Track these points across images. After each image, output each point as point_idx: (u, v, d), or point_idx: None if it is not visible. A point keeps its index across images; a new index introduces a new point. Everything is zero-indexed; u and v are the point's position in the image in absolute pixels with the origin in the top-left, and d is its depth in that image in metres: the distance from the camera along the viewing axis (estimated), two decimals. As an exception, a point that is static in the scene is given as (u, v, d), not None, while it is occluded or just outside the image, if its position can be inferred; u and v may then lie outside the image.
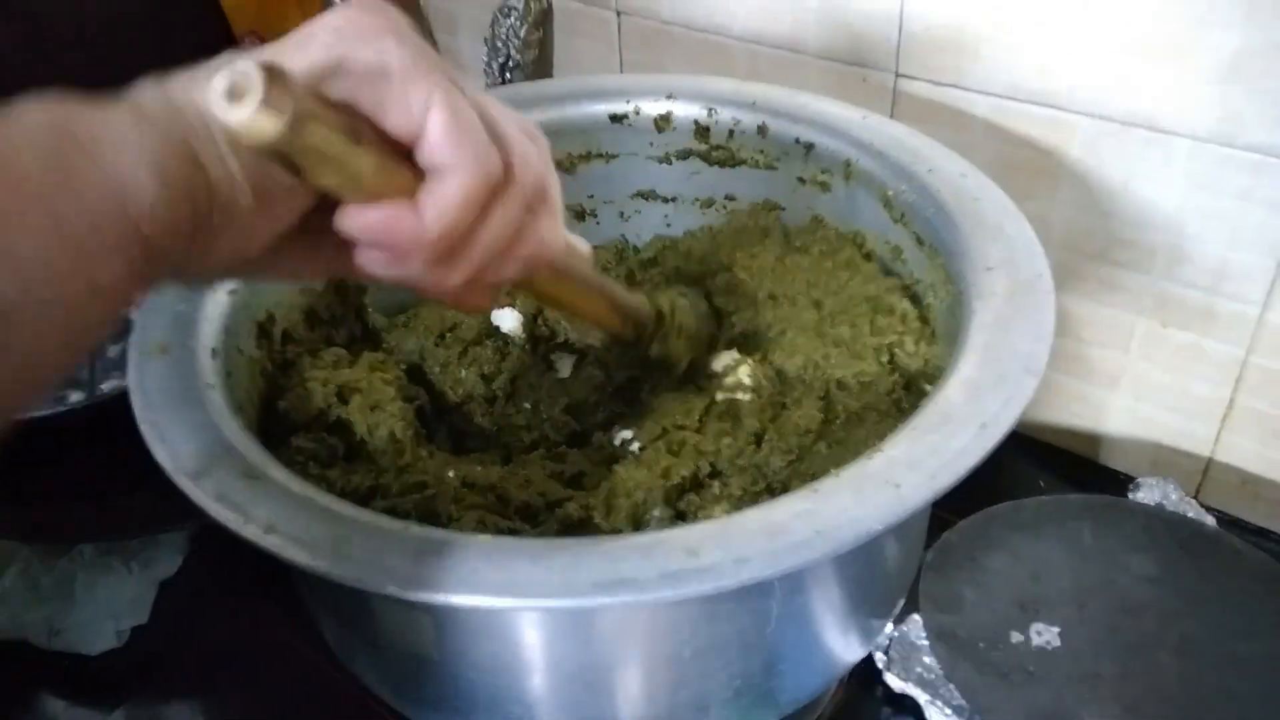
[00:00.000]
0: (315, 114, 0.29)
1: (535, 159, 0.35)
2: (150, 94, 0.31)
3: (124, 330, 0.74)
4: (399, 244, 0.32)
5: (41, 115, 0.28)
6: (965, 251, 0.48)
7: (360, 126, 0.31)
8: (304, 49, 0.31)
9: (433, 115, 0.31)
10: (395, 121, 0.32)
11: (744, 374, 0.53)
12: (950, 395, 0.40)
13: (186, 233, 0.30)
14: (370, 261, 0.34)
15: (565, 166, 0.66)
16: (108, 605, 0.65)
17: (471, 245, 0.34)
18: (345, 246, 0.34)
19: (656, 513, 0.43)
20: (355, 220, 0.32)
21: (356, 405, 0.49)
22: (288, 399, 0.49)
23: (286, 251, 0.35)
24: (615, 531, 0.43)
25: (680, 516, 0.44)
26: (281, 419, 0.48)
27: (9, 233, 0.26)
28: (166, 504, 0.67)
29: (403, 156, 0.32)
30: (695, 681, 0.41)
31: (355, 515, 0.36)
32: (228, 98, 0.27)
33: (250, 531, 0.35)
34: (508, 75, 0.87)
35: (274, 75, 0.28)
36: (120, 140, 0.29)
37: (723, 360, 0.55)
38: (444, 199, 0.32)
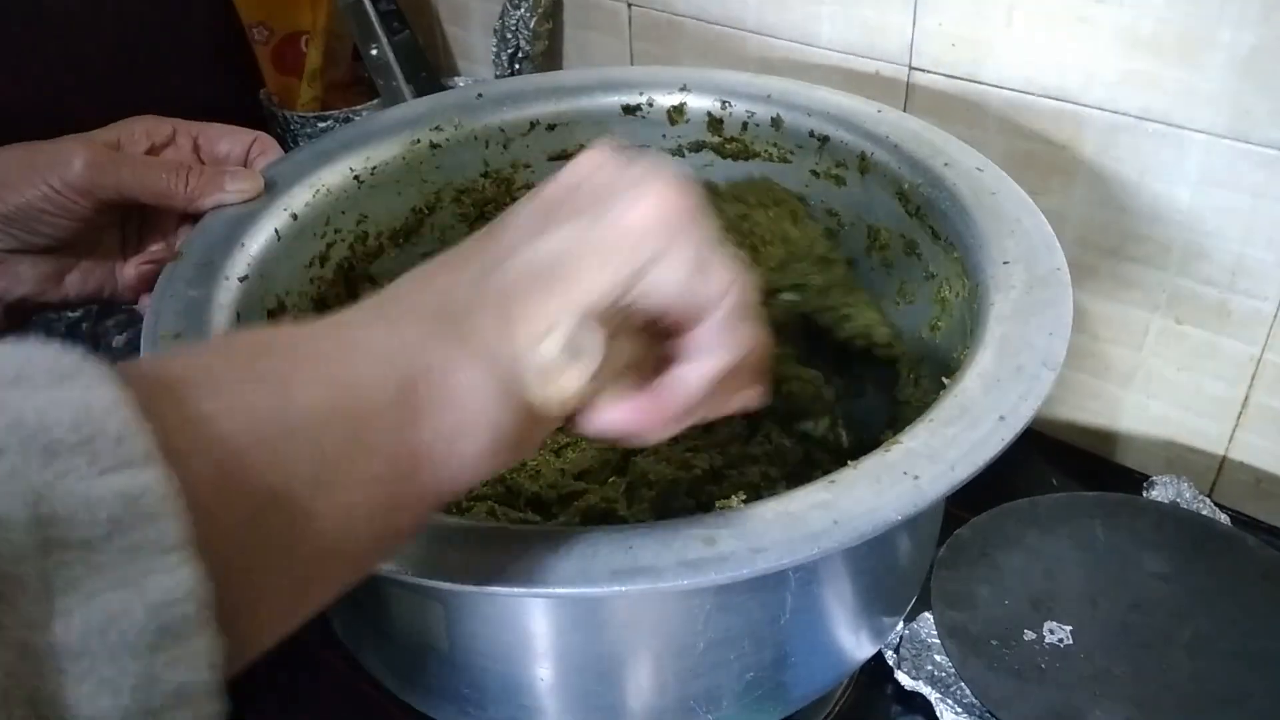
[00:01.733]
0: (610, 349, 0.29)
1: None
2: (492, 333, 0.29)
3: (130, 320, 0.74)
4: (648, 430, 0.32)
5: (390, 350, 0.28)
6: (982, 245, 0.48)
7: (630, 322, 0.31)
8: (609, 264, 0.30)
9: (726, 303, 0.31)
10: (680, 314, 0.31)
11: None
12: (968, 387, 0.40)
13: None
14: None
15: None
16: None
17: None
18: None
19: (680, 504, 0.43)
20: (608, 420, 0.32)
21: None
22: None
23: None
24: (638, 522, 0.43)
25: (702, 508, 0.44)
26: None
27: (338, 484, 0.25)
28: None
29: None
30: (708, 673, 0.41)
31: (369, 501, 0.36)
32: (563, 360, 0.28)
33: (263, 517, 0.34)
34: (517, 66, 0.87)
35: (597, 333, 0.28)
36: (466, 393, 0.28)
37: None
38: (701, 381, 0.32)
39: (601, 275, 0.29)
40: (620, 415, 0.31)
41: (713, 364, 0.32)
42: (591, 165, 0.33)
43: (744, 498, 0.36)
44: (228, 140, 0.56)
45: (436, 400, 0.27)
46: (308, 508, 0.24)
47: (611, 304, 0.29)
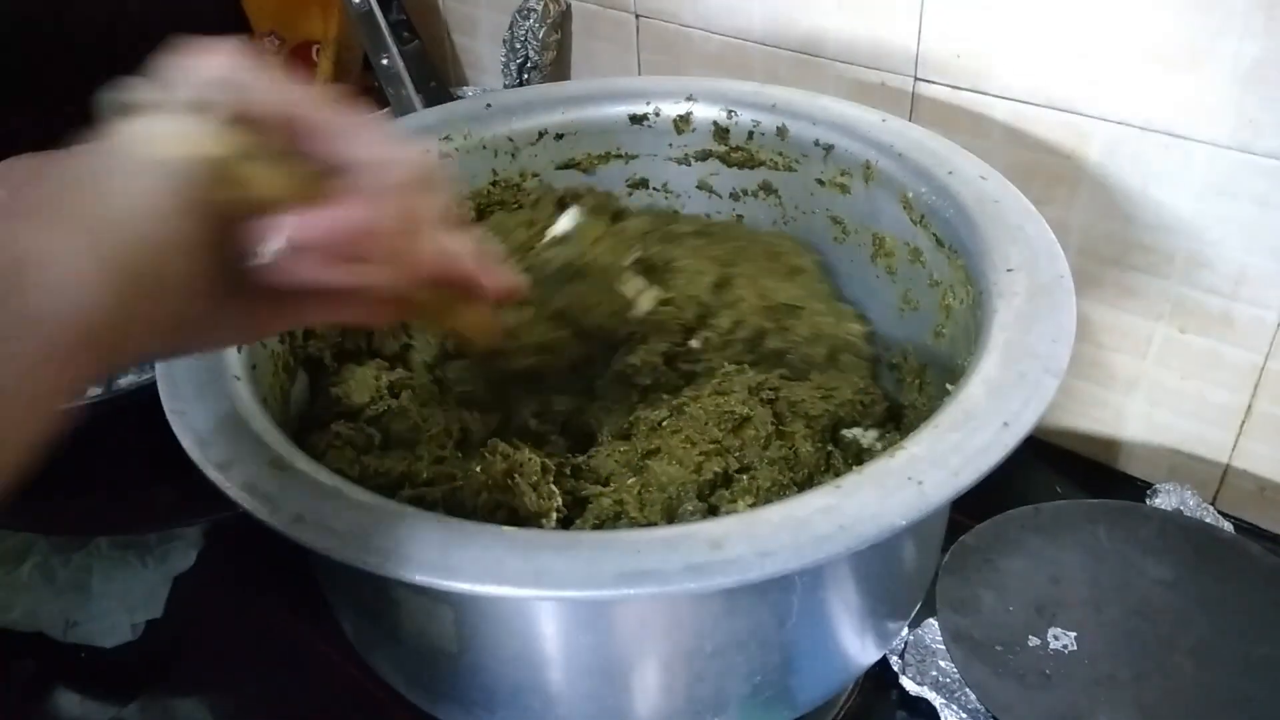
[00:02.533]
0: (246, 120, 0.30)
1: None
2: (88, 187, 0.29)
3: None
4: (356, 235, 0.33)
5: None
6: (985, 252, 0.49)
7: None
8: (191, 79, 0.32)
9: (347, 118, 0.32)
10: (312, 131, 0.32)
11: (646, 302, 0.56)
12: (972, 393, 0.40)
13: (148, 329, 0.30)
14: (320, 270, 0.34)
15: (584, 167, 0.66)
16: (123, 599, 0.66)
17: (410, 233, 0.35)
18: (282, 296, 0.34)
19: (689, 507, 0.43)
20: (311, 224, 0.32)
21: (407, 399, 0.50)
22: (340, 387, 0.50)
23: (223, 318, 0.35)
24: (649, 525, 0.43)
25: (713, 511, 0.44)
26: (307, 413, 0.48)
27: None
28: (181, 499, 0.68)
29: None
30: (714, 677, 0.41)
31: (381, 505, 0.36)
32: (171, 124, 0.27)
33: (278, 521, 0.35)
34: (525, 76, 0.88)
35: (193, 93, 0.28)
36: (60, 257, 0.27)
37: (633, 286, 0.56)
38: (382, 187, 0.33)
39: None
40: (329, 215, 0.32)
41: (390, 171, 0.33)
42: None
43: (751, 502, 0.36)
44: None
45: (27, 264, 0.27)
46: None
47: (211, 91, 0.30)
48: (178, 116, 0.30)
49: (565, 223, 0.59)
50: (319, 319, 0.41)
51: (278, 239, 0.32)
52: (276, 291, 0.34)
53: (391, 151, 0.34)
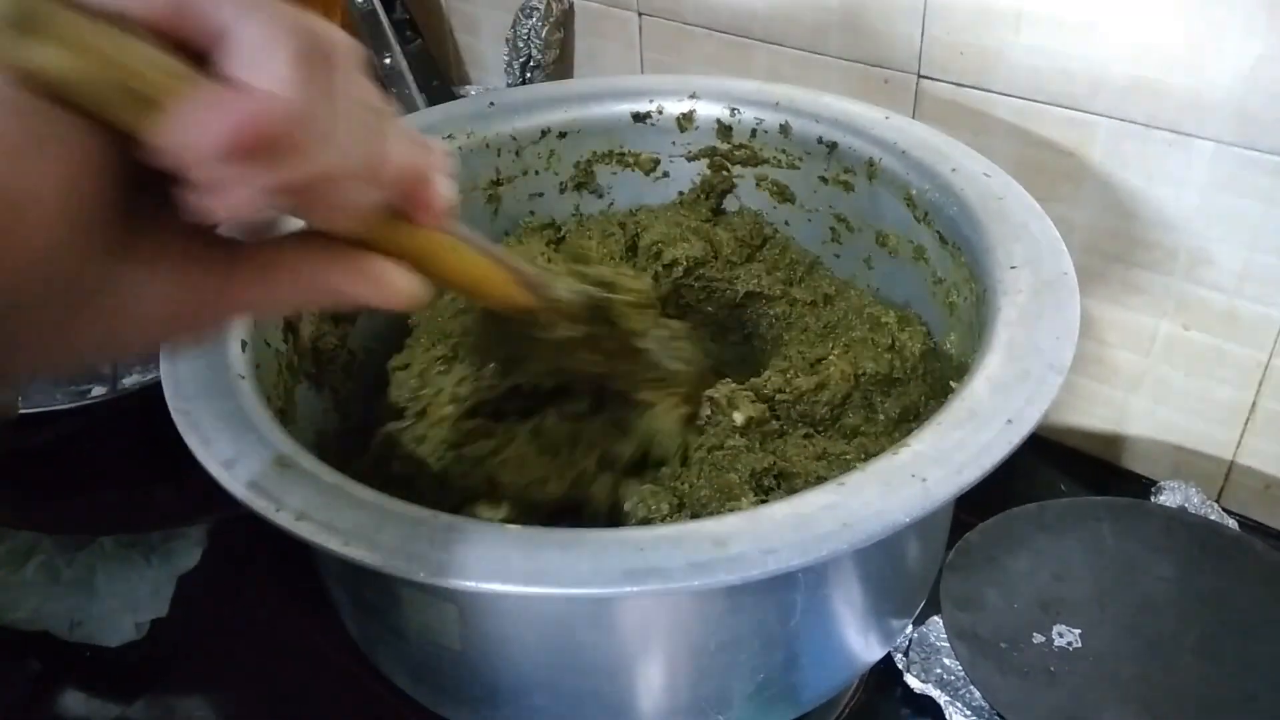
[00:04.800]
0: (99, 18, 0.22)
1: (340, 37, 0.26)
2: None
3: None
4: (266, 132, 0.23)
5: None
6: (989, 249, 0.49)
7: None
8: None
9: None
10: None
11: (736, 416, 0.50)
12: (976, 391, 0.40)
13: None
14: (234, 196, 0.23)
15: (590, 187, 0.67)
16: (127, 598, 0.66)
17: (333, 126, 0.25)
18: (220, 265, 0.26)
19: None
20: (205, 123, 0.22)
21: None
22: (391, 394, 0.51)
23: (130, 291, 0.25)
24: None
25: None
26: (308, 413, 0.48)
27: None
28: (186, 497, 0.68)
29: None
30: (719, 675, 0.41)
31: (385, 503, 0.36)
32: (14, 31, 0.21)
33: (282, 519, 0.35)
34: (529, 75, 0.88)
35: None
36: None
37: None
38: (278, 68, 0.23)
39: None
40: (224, 111, 0.23)
41: (279, 52, 0.23)
42: None
43: (754, 500, 0.36)
44: None
45: None
46: None
47: None
48: None
49: None
50: (270, 292, 0.28)
51: (179, 143, 0.23)
52: (204, 246, 0.26)
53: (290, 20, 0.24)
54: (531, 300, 0.41)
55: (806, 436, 0.51)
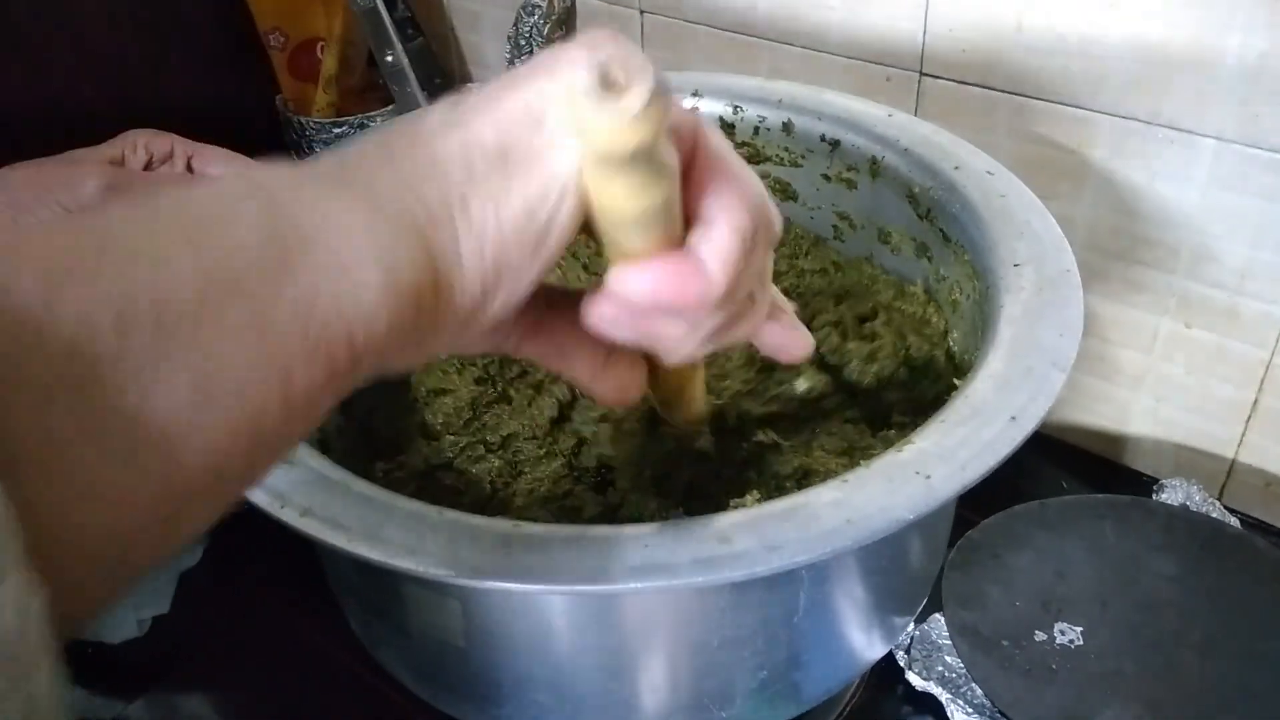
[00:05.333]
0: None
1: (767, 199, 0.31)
2: (381, 168, 0.26)
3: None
4: (687, 304, 0.28)
5: (250, 188, 0.24)
6: (992, 247, 0.49)
7: None
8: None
9: (728, 155, 0.29)
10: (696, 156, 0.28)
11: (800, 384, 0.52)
12: (979, 388, 0.40)
13: (403, 339, 0.26)
14: (616, 325, 0.30)
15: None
16: (130, 595, 0.66)
17: (735, 298, 0.30)
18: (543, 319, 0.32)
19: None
20: (637, 282, 0.28)
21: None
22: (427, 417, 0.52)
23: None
24: None
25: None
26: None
27: (200, 332, 0.21)
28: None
29: None
30: (722, 671, 0.41)
31: (390, 500, 0.36)
32: (600, 89, 0.23)
33: (287, 515, 0.35)
34: (530, 74, 0.88)
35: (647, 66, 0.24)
36: (345, 230, 0.24)
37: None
38: (726, 248, 0.28)
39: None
40: (659, 275, 0.28)
41: (729, 227, 0.28)
42: None
43: (758, 496, 0.36)
44: (222, 163, 0.56)
45: (308, 240, 0.23)
46: (148, 373, 0.20)
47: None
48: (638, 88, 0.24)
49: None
50: (544, 357, 0.34)
51: (634, 285, 0.28)
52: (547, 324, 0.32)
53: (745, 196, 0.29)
54: (707, 412, 0.45)
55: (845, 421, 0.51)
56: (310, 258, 0.23)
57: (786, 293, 0.60)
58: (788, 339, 0.36)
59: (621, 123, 0.23)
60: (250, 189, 0.24)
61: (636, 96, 0.23)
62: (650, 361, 0.36)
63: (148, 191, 0.25)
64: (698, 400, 0.43)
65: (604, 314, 0.29)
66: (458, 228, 0.26)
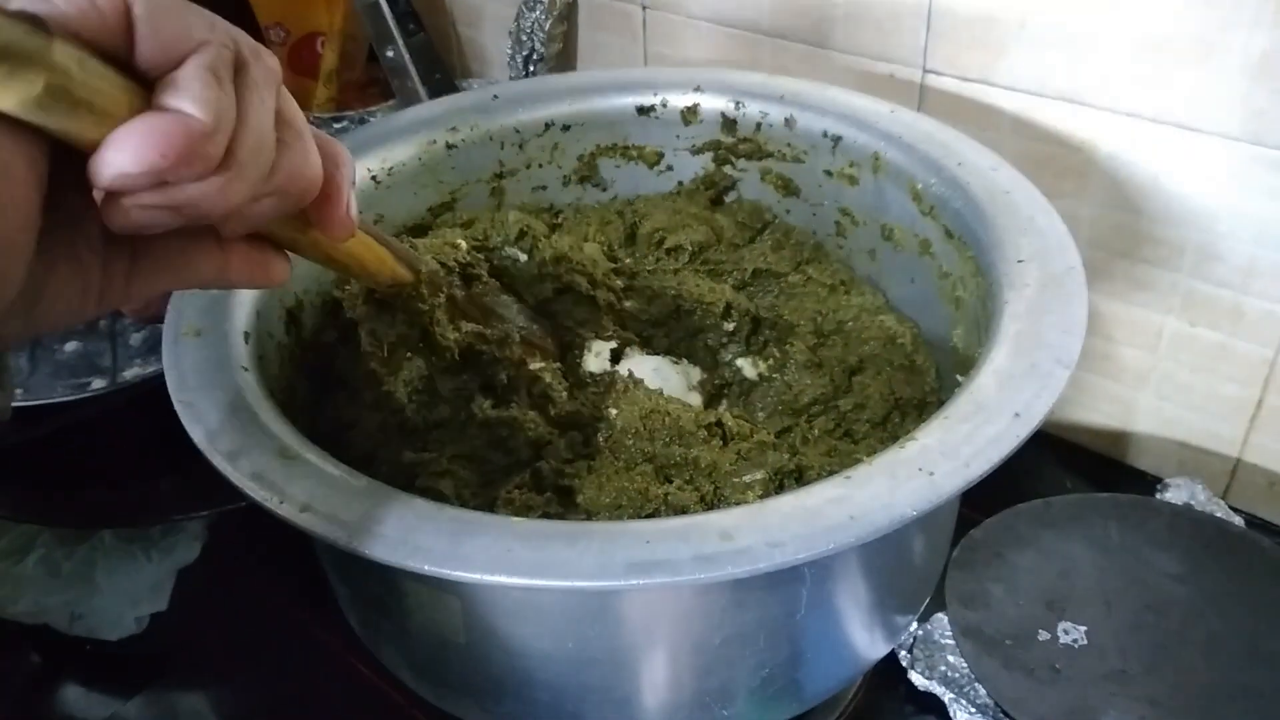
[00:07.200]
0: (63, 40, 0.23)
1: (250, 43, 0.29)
2: None
3: (149, 318, 0.74)
4: (180, 152, 0.25)
5: None
6: (996, 244, 0.48)
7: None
8: None
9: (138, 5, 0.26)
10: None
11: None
12: (983, 385, 0.40)
13: None
14: (140, 210, 0.26)
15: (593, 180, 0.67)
16: (127, 592, 0.66)
17: (242, 139, 0.27)
18: (111, 251, 0.28)
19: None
20: (123, 150, 0.25)
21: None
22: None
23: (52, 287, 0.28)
24: None
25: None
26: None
27: None
28: (186, 491, 0.68)
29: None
30: (723, 669, 0.41)
31: (389, 495, 0.36)
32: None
33: (286, 510, 0.35)
34: (531, 68, 0.87)
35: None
36: None
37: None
38: (195, 84, 0.26)
39: None
40: (140, 135, 0.25)
41: (194, 63, 0.26)
42: None
43: (760, 493, 0.36)
44: None
45: None
46: None
47: None
48: None
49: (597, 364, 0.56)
50: (168, 279, 0.31)
51: (115, 163, 0.25)
52: (112, 243, 0.28)
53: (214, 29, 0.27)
54: (410, 276, 0.44)
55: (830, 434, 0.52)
56: None
57: (792, 288, 0.60)
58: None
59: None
60: None
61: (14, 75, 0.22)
62: (311, 239, 0.34)
63: None
64: (385, 264, 0.42)
65: (122, 211, 0.26)
66: None
